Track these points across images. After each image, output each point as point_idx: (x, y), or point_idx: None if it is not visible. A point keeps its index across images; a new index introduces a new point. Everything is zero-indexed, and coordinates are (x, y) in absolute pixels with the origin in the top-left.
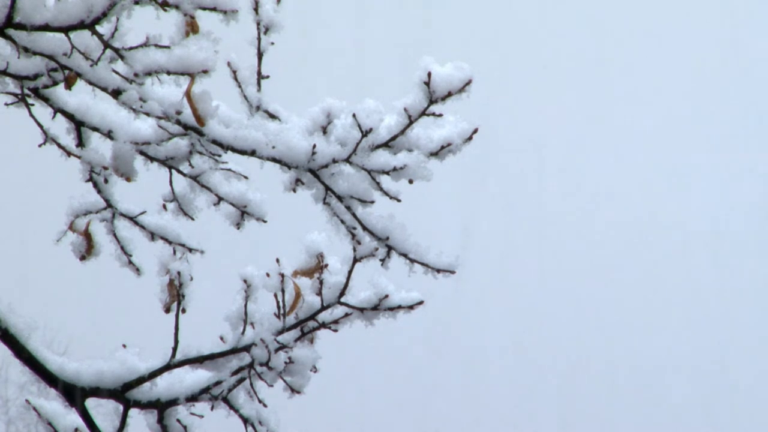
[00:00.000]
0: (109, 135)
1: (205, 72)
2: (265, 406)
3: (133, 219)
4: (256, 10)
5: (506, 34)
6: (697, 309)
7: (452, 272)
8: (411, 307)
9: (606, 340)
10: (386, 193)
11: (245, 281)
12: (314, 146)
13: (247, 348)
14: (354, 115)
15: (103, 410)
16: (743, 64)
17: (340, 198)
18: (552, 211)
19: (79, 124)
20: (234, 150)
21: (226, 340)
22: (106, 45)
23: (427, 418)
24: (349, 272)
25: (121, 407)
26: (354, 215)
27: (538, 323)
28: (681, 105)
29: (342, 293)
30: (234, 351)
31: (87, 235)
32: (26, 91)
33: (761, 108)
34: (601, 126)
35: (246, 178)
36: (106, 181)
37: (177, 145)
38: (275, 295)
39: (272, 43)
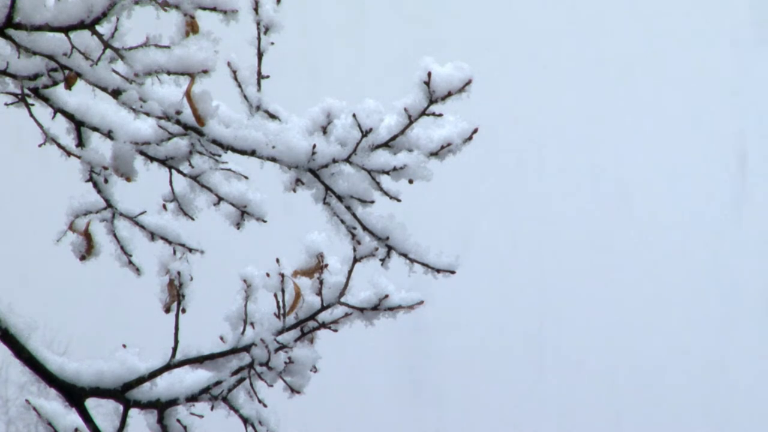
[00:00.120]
0: (109, 135)
1: (205, 72)
2: (265, 406)
3: (133, 219)
4: (256, 10)
5: (506, 34)
6: (697, 309)
7: (452, 272)
8: (411, 307)
9: (606, 340)
10: (386, 193)
11: (245, 281)
12: (314, 146)
13: (247, 348)
14: (354, 115)
15: (103, 410)
16: (743, 65)
17: (340, 198)
18: (551, 211)
19: (79, 124)
20: (234, 150)
21: (226, 340)
22: (106, 45)
23: (427, 418)
24: (349, 272)
25: (121, 407)
26: (354, 215)
27: (538, 323)
28: (681, 105)
29: (342, 293)
30: (234, 351)
31: (87, 235)
32: (26, 91)
33: (761, 107)
34: (601, 126)
35: (246, 178)
36: (106, 181)
37: (177, 145)
38: (275, 295)
39: (272, 43)
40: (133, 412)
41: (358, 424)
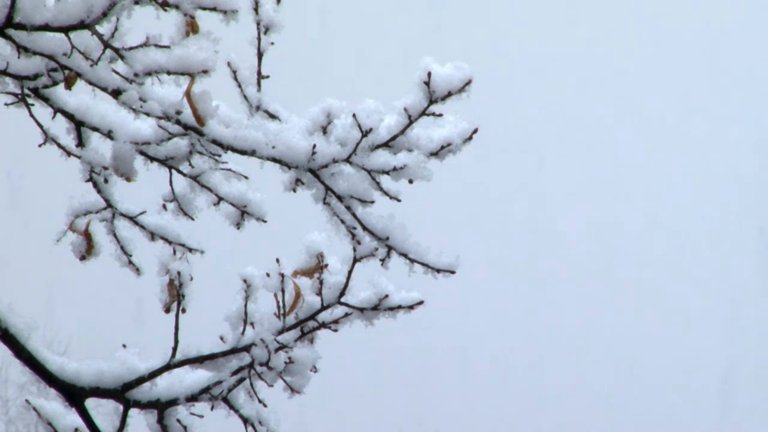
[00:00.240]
0: (109, 135)
1: (205, 72)
2: (265, 406)
3: (133, 219)
4: (256, 10)
5: (506, 34)
6: (697, 308)
7: (452, 272)
8: (411, 307)
9: (606, 339)
10: (386, 193)
11: (245, 281)
12: (314, 146)
13: (247, 348)
14: (354, 115)
15: (103, 410)
16: (742, 65)
17: (340, 198)
18: (552, 210)
19: (79, 124)
20: (234, 150)
21: (226, 340)
22: (106, 45)
23: (427, 418)
24: (349, 272)
25: (121, 407)
26: (354, 215)
27: (538, 323)
28: (681, 104)
29: (342, 293)
30: (234, 351)
31: (87, 235)
32: (26, 91)
33: (761, 107)
34: (600, 126)
35: (246, 178)
36: (106, 181)
37: (177, 145)
38: (275, 295)
39: (272, 43)
40: (133, 412)
41: (358, 424)
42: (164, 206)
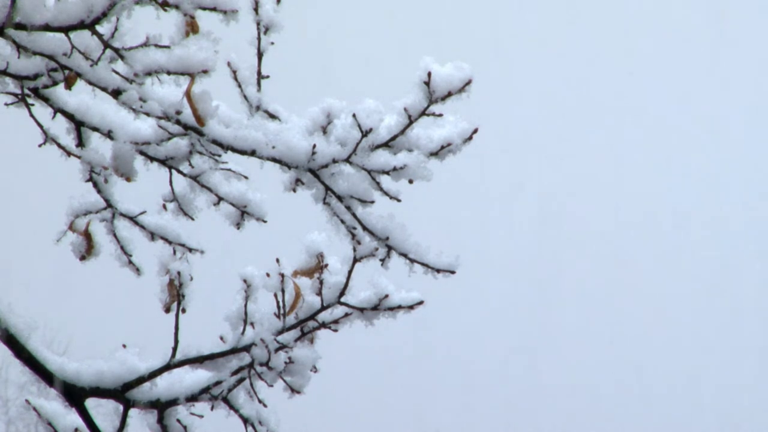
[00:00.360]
0: (109, 135)
1: (205, 72)
2: (265, 406)
3: (133, 219)
4: (256, 10)
5: (506, 34)
6: (698, 308)
7: (452, 272)
8: (411, 307)
9: (607, 340)
10: (386, 193)
11: (245, 281)
12: (314, 146)
13: (247, 348)
14: (354, 115)
15: (103, 410)
16: (742, 65)
17: (340, 198)
18: (552, 210)
19: (79, 124)
20: (234, 150)
21: (226, 340)
22: (106, 45)
23: (426, 418)
24: (349, 272)
25: (121, 407)
26: (354, 215)
27: (538, 323)
28: (683, 104)
29: (342, 293)
30: (234, 351)
31: (87, 235)
32: (26, 91)
33: (761, 106)
34: (601, 126)
35: (246, 178)
36: (106, 181)
37: (177, 145)
38: (275, 295)
39: (272, 43)
40: (133, 412)
41: (358, 424)
42: (164, 206)
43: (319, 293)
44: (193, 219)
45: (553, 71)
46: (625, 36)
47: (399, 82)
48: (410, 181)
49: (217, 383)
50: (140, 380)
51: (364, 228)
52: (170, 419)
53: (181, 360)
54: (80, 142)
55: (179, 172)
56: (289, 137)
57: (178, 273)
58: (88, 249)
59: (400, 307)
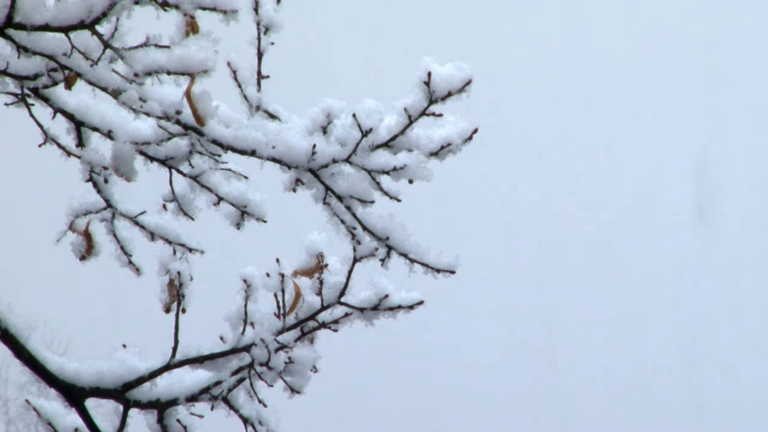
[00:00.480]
0: (109, 135)
1: (205, 72)
2: (265, 406)
3: (133, 219)
4: (256, 10)
5: (506, 33)
6: (698, 308)
7: (452, 272)
8: (411, 307)
9: (605, 339)
10: (386, 193)
11: (245, 281)
12: (314, 146)
13: (247, 348)
14: (354, 115)
15: (103, 410)
16: (743, 65)
17: (340, 198)
18: (552, 210)
19: (79, 124)
20: (234, 150)
21: (226, 340)
22: (106, 45)
23: (427, 418)
24: (349, 272)
25: (121, 407)
26: (354, 215)
27: (538, 322)
28: (683, 103)
29: (342, 293)
30: (234, 351)
31: (87, 235)
32: (26, 91)
33: (761, 106)
34: (601, 126)
35: (246, 178)
36: (106, 181)
37: (177, 145)
38: (275, 295)
39: (272, 43)
40: (133, 412)
41: (358, 424)
42: (164, 206)
43: (319, 293)
44: (193, 219)
45: (553, 71)
46: (625, 36)
47: (399, 82)
48: (410, 181)
49: (217, 383)
50: (140, 380)
51: (364, 228)
52: (170, 419)
53: (181, 360)
54: (80, 142)
55: (179, 172)
56: (289, 137)
57: (178, 273)
58: (88, 249)
59: (400, 307)
